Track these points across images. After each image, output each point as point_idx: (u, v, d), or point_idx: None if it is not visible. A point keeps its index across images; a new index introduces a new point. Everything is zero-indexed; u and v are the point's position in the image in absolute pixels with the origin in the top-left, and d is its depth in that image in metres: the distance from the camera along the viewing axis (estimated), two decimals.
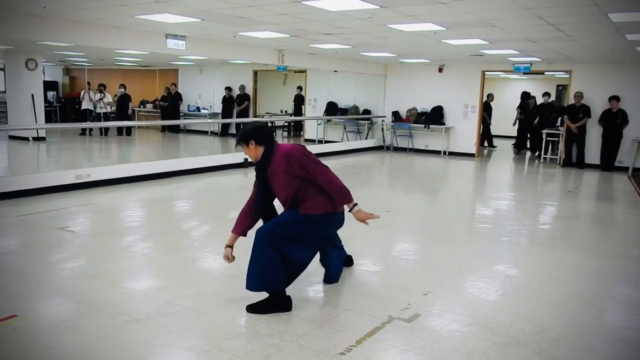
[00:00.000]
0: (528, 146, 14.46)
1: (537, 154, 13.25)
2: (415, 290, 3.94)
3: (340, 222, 3.65)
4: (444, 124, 13.38)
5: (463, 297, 3.88)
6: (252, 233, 3.55)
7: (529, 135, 14.37)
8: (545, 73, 14.84)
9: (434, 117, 13.47)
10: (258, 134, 3.47)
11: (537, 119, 13.63)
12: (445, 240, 5.54)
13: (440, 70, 13.39)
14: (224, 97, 16.03)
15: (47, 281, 3.99)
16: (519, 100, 15.14)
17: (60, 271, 4.25)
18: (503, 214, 7.14)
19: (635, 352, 3.16)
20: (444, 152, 13.44)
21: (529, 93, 15.28)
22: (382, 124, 14.33)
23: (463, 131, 13.26)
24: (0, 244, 5.04)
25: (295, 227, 3.45)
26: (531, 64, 11.66)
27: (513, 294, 4.00)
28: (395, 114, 14.09)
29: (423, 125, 13.50)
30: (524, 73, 13.44)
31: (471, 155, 13.11)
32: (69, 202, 6.84)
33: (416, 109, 13.81)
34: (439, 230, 6.02)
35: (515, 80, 18.93)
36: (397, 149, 14.11)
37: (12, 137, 13.22)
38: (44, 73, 14.79)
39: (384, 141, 14.39)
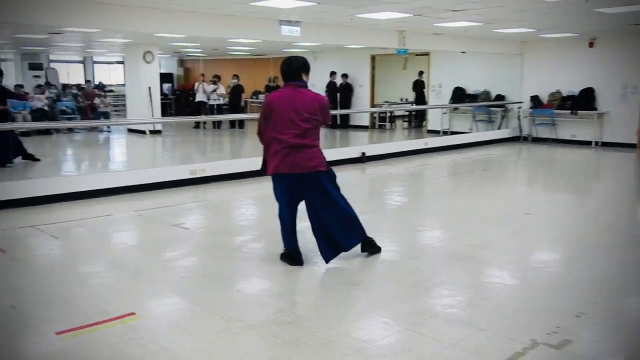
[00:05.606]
0: None
1: None
2: (564, 310, 3.62)
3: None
4: (595, 109, 12.32)
5: (626, 322, 3.50)
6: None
7: None
8: None
9: (583, 101, 12.44)
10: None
11: None
12: (599, 251, 5.05)
13: (590, 45, 12.33)
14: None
15: (162, 279, 4.27)
16: None
17: (175, 269, 4.53)
18: None
19: None
20: (596, 143, 12.39)
21: None
22: (519, 111, 13.58)
23: (620, 117, 12.09)
24: (121, 239, 5.52)
25: None
26: None
27: None
28: (535, 99, 13.27)
29: (569, 111, 12.54)
30: None
31: (631, 146, 11.91)
32: (183, 197, 7.31)
33: (560, 92, 12.90)
34: (591, 238, 5.51)
35: None
36: (537, 140, 13.26)
37: (130, 131, 14.52)
38: (160, 65, 16.03)
39: (520, 131, 13.62)
